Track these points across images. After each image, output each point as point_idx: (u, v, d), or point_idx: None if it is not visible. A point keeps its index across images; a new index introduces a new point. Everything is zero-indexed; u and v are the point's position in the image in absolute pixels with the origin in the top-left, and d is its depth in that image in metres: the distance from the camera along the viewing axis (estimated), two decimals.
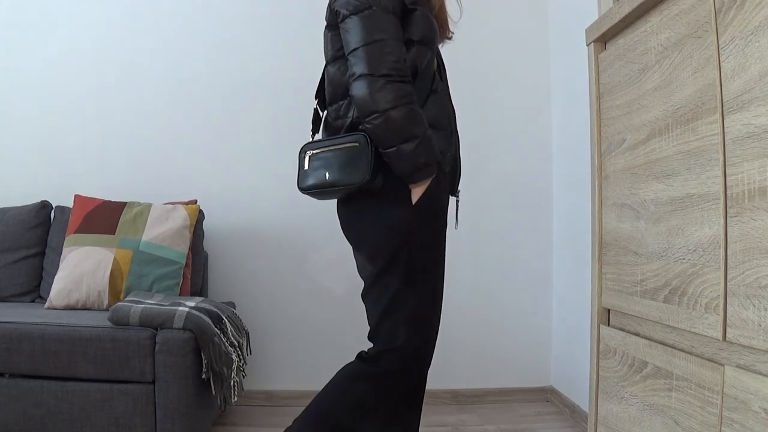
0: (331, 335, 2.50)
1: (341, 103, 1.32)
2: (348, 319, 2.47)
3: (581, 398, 2.22)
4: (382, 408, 1.28)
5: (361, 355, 1.32)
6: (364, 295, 1.36)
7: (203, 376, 1.76)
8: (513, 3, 2.66)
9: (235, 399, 1.88)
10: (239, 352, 1.98)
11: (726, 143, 0.82)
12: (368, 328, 1.34)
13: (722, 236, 0.82)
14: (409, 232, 1.25)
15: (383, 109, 1.17)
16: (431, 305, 1.30)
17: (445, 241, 1.33)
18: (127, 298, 1.90)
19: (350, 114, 1.29)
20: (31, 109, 2.56)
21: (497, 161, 2.61)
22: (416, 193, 1.25)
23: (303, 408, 1.33)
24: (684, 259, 0.92)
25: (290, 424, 1.33)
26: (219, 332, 1.84)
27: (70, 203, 2.31)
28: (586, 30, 1.30)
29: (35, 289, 2.29)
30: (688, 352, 0.92)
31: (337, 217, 1.42)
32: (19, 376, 1.72)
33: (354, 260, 1.47)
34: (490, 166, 2.60)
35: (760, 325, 0.75)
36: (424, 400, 1.39)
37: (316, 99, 1.46)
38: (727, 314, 0.81)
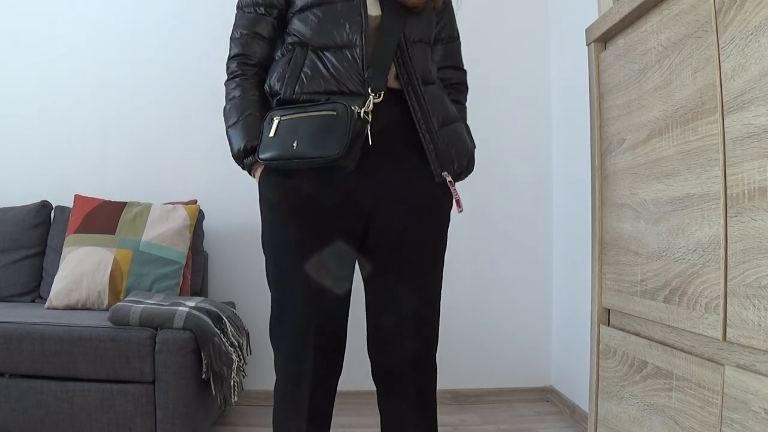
0: None
1: None
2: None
3: (581, 398, 2.22)
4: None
5: None
6: None
7: (203, 376, 1.76)
8: (513, 3, 2.65)
9: (235, 399, 1.88)
10: (239, 352, 1.98)
11: (726, 143, 0.82)
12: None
13: (722, 236, 0.82)
14: (262, 222, 1.25)
15: None
16: (277, 287, 1.21)
17: (288, 237, 1.19)
18: (127, 298, 1.90)
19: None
20: (31, 109, 2.55)
21: (497, 161, 2.60)
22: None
23: None
24: (684, 259, 0.92)
25: None
26: (219, 332, 1.84)
27: (70, 203, 2.31)
28: (586, 30, 1.30)
29: (35, 289, 2.29)
30: (688, 352, 0.92)
31: None
32: (19, 376, 1.72)
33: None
34: (489, 166, 2.59)
35: (760, 325, 0.75)
36: None
37: None
38: (727, 314, 0.81)
